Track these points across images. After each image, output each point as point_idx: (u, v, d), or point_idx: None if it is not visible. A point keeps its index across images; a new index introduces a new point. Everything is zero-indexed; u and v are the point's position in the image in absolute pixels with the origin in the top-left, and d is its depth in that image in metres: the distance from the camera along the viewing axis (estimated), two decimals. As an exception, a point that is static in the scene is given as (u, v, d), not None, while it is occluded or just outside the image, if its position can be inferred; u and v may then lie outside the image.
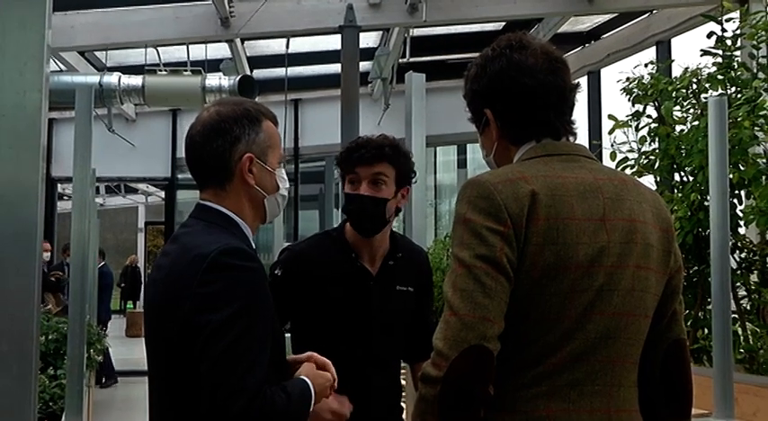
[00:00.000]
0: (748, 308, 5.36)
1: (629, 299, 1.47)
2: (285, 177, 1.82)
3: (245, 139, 1.72)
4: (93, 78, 8.70)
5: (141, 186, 19.47)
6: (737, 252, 5.37)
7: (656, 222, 1.54)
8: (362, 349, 2.43)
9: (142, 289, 19.39)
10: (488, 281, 1.37)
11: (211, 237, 1.65)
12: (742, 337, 5.24)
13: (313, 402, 1.71)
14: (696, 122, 5.33)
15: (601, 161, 7.20)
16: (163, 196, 14.79)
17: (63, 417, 3.42)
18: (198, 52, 8.99)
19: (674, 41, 8.70)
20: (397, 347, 2.55)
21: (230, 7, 7.89)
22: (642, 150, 5.74)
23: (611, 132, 5.93)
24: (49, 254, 10.29)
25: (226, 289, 1.56)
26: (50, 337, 5.10)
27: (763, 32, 5.17)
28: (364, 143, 2.45)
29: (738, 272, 5.34)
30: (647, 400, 1.58)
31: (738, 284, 5.33)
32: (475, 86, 1.59)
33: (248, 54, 9.80)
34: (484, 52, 1.61)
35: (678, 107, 5.57)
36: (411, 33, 9.03)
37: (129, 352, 10.81)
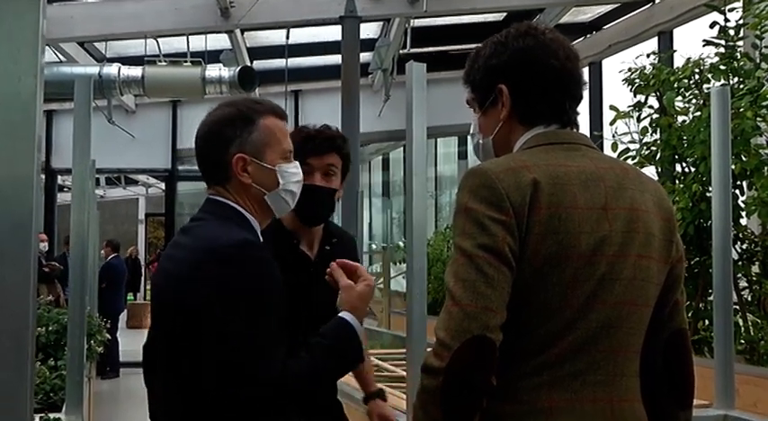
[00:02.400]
0: (749, 299, 5.36)
1: (631, 288, 1.46)
2: (294, 171, 1.84)
3: (237, 141, 1.76)
4: (93, 69, 8.68)
5: (142, 178, 19.46)
6: (739, 243, 5.37)
7: (658, 211, 1.53)
8: (303, 334, 2.44)
9: (142, 280, 19.38)
10: (490, 270, 1.36)
11: (222, 230, 1.71)
12: (743, 328, 5.24)
13: (359, 329, 1.78)
14: (698, 113, 5.32)
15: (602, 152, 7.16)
16: (163, 188, 14.78)
17: (63, 408, 3.41)
18: (198, 43, 8.97)
19: (677, 32, 8.67)
20: None
21: (230, -3, 7.87)
22: (644, 141, 5.73)
23: (612, 123, 5.92)
24: (45, 244, 10.29)
25: (235, 280, 1.63)
26: (51, 329, 5.09)
27: (767, 22, 5.15)
28: (315, 134, 2.46)
29: (740, 263, 5.34)
30: (649, 390, 1.58)
31: (739, 275, 5.33)
32: (492, 61, 1.57)
33: (248, 45, 9.78)
34: (500, 34, 1.60)
35: (680, 98, 5.55)
36: (412, 24, 9.00)
37: (129, 343, 10.81)
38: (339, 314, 1.82)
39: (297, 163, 1.86)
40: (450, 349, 1.33)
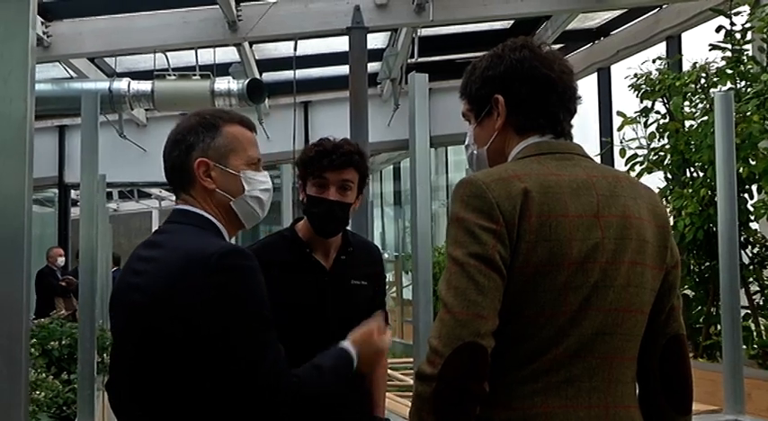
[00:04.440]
0: (761, 303, 5.33)
1: (625, 295, 1.47)
2: (261, 179, 1.84)
3: (200, 146, 1.78)
4: (103, 84, 8.74)
5: (154, 191, 19.54)
6: (750, 247, 5.35)
7: (652, 218, 1.54)
8: (320, 344, 2.45)
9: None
10: (481, 278, 1.38)
11: (203, 240, 1.71)
12: (755, 333, 5.22)
13: (355, 364, 1.79)
14: (705, 117, 5.31)
15: (612, 158, 7.18)
16: (175, 200, 14.85)
17: (75, 421, 3.44)
18: (207, 56, 9.03)
19: (685, 36, 8.65)
20: None
21: (237, 11, 7.91)
22: (651, 146, 5.73)
23: (620, 129, 5.93)
24: (62, 259, 10.35)
25: (235, 290, 1.62)
26: (64, 342, 5.13)
27: (772, 25, 5.15)
28: (333, 148, 2.49)
29: (751, 267, 5.32)
30: (648, 396, 1.59)
31: (751, 280, 5.31)
32: (489, 73, 1.60)
33: (257, 57, 9.83)
34: (497, 47, 1.63)
35: (687, 102, 5.55)
36: (419, 33, 9.03)
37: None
38: (343, 343, 1.83)
39: (266, 173, 1.87)
40: (442, 356, 1.35)
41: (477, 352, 1.36)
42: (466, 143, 1.71)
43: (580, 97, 1.64)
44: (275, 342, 1.65)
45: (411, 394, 3.47)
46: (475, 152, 1.66)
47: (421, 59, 9.31)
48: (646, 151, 5.73)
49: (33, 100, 0.89)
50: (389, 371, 4.67)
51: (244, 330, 1.61)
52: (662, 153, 5.65)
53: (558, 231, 1.43)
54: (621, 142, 5.86)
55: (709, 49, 5.56)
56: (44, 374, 4.37)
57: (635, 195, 1.54)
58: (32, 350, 4.73)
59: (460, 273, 1.39)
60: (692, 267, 5.54)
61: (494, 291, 1.38)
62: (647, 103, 5.72)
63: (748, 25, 5.45)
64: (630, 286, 1.48)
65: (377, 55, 9.65)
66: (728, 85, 5.30)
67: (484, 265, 1.39)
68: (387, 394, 3.07)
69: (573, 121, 1.64)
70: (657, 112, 5.73)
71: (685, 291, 5.66)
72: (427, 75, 3.09)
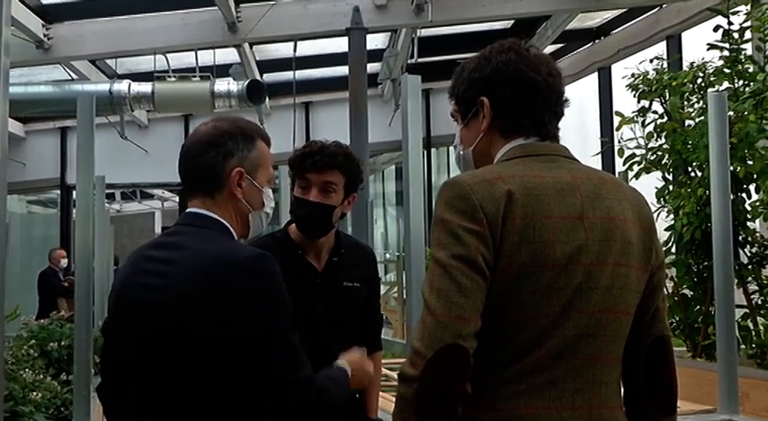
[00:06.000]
0: (760, 303, 5.32)
1: (609, 296, 1.47)
2: (272, 197, 1.91)
3: (238, 154, 1.81)
4: (104, 86, 8.77)
5: (157, 192, 19.58)
6: (748, 247, 5.34)
7: (637, 220, 1.54)
8: (313, 345, 2.46)
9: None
10: (464, 280, 1.38)
11: (228, 244, 1.76)
12: (753, 333, 5.21)
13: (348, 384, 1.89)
14: (702, 117, 5.31)
15: (613, 158, 7.18)
16: (178, 201, 14.87)
17: (72, 422, 3.45)
18: (207, 58, 9.04)
19: (685, 35, 8.65)
20: (350, 342, 2.58)
21: (237, 12, 7.93)
22: (649, 146, 5.73)
23: (618, 129, 5.93)
24: (65, 261, 10.39)
25: (266, 293, 1.68)
26: (63, 343, 5.16)
27: (769, 24, 5.14)
28: (318, 150, 2.50)
29: (749, 266, 5.31)
30: (633, 397, 1.59)
31: (750, 279, 5.30)
32: (475, 75, 1.61)
33: (258, 58, 9.84)
34: (485, 49, 1.64)
35: (685, 102, 5.55)
36: (419, 34, 9.03)
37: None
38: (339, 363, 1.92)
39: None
40: (424, 358, 1.36)
41: (458, 354, 1.36)
42: (454, 143, 1.72)
43: (567, 100, 1.64)
44: (299, 347, 1.71)
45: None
46: (461, 153, 1.68)
47: (421, 59, 9.31)
48: (644, 151, 5.73)
49: (7, 102, 0.90)
50: (387, 371, 4.68)
51: (281, 333, 1.67)
52: (660, 153, 5.65)
53: (541, 233, 1.43)
54: (620, 142, 5.87)
55: (708, 49, 5.56)
56: (42, 375, 4.38)
57: (620, 197, 1.54)
58: (31, 351, 4.75)
59: (443, 275, 1.39)
60: (691, 267, 5.54)
61: (476, 292, 1.39)
62: (645, 103, 5.72)
63: (746, 24, 5.45)
64: (614, 288, 1.48)
65: (377, 55, 9.65)
66: (726, 84, 5.30)
67: (467, 267, 1.39)
68: (384, 394, 3.07)
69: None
70: (655, 112, 5.73)
71: (684, 291, 5.65)
72: (420, 76, 3.10)
